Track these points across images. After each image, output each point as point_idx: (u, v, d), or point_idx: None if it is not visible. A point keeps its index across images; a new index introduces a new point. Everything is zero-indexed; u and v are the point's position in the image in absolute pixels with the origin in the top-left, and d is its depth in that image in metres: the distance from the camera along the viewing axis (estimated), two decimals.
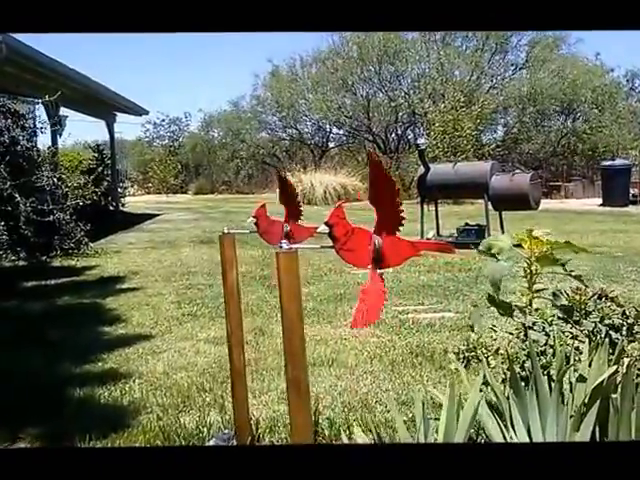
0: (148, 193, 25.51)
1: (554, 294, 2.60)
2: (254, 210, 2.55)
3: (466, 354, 2.47)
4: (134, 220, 13.17)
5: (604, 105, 22.19)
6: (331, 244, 1.75)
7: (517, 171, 10.07)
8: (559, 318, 2.47)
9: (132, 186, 25.06)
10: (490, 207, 8.70)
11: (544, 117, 23.04)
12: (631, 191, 16.13)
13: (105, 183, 12.13)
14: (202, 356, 3.97)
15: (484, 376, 2.18)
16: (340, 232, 1.71)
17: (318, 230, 1.74)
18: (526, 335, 2.40)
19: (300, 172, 19.26)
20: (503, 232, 8.86)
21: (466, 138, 18.30)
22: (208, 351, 4.05)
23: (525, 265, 2.68)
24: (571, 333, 2.43)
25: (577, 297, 2.50)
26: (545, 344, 2.32)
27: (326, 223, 1.70)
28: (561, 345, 2.20)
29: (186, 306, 5.36)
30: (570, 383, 2.12)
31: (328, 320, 4.75)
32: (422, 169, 9.31)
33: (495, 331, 2.80)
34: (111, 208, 13.95)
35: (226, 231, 2.45)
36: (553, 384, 2.06)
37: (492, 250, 2.74)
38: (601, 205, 15.86)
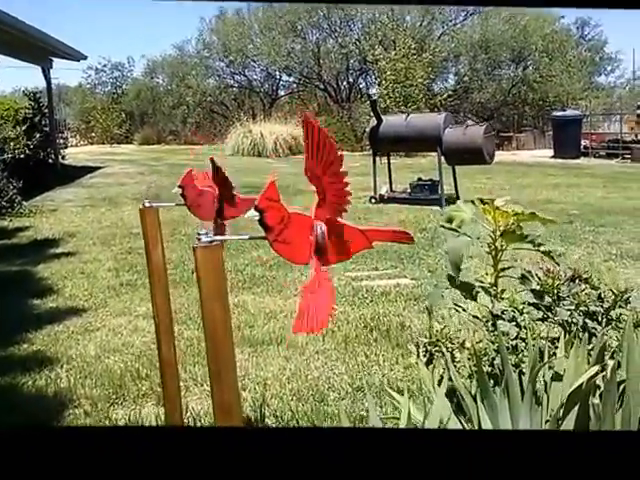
0: (91, 144, 24.48)
1: (523, 276, 2.36)
2: (180, 178, 2.15)
3: (428, 347, 2.22)
4: (74, 174, 12.52)
5: (554, 53, 22.06)
6: (262, 234, 1.29)
7: (469, 122, 9.80)
8: (529, 304, 2.23)
9: (74, 136, 24.04)
10: (443, 161, 8.43)
11: (495, 65, 22.80)
12: (582, 142, 16.02)
13: (39, 134, 11.40)
14: (139, 335, 3.65)
15: (449, 373, 1.94)
16: (273, 219, 1.28)
17: (246, 216, 1.33)
18: (494, 325, 2.16)
19: (249, 122, 18.66)
20: (456, 186, 8.63)
21: (418, 87, 17.94)
22: (147, 329, 3.70)
23: (489, 240, 2.44)
24: (542, 321, 2.20)
25: (549, 280, 2.26)
26: (516, 337, 2.08)
27: (256, 208, 1.30)
28: (534, 339, 1.96)
29: (125, 274, 4.99)
30: (545, 382, 1.90)
31: (278, 290, 4.45)
32: (374, 121, 8.97)
33: (458, 311, 2.55)
34: (50, 161, 13.19)
35: (147, 204, 2.08)
36: (525, 384, 1.84)
37: (453, 223, 2.49)
38: (552, 157, 15.68)
